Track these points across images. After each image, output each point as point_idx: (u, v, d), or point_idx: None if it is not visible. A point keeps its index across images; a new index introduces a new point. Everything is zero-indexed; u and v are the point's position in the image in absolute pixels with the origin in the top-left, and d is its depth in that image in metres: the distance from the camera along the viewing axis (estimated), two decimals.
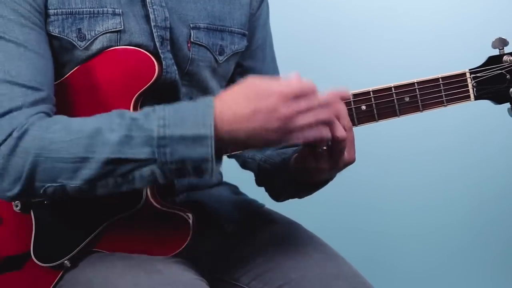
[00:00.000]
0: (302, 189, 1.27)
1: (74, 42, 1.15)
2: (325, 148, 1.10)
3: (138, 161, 1.01)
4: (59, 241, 1.18)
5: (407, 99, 1.19)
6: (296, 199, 1.32)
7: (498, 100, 1.24)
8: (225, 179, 1.44)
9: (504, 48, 1.23)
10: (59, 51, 1.16)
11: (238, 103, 0.99)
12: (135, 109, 1.14)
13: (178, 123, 1.00)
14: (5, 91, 1.07)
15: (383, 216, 2.52)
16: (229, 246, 1.30)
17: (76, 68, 1.16)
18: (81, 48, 1.15)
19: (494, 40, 1.23)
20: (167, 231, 1.19)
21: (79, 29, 1.15)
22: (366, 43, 2.47)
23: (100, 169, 1.01)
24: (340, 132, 1.08)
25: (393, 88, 1.18)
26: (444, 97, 1.20)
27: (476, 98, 1.22)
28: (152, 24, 1.20)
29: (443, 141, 2.53)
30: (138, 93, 1.13)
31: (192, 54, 1.26)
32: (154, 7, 1.20)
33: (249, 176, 1.42)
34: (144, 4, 1.21)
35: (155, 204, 1.17)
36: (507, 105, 1.25)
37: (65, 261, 1.18)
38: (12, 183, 1.04)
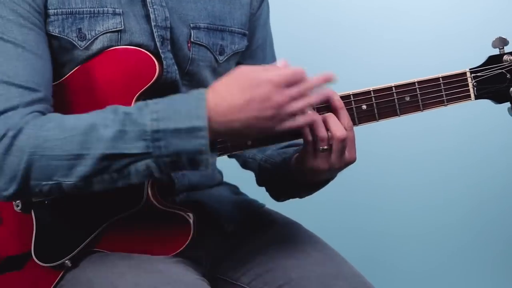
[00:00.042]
0: (303, 189, 1.27)
1: (74, 42, 1.15)
2: (326, 147, 1.11)
3: (133, 156, 1.01)
4: (60, 241, 1.18)
5: (407, 99, 1.19)
6: (296, 199, 1.32)
7: (498, 100, 1.24)
8: (225, 179, 1.44)
9: (504, 47, 1.23)
10: (59, 51, 1.16)
11: (233, 94, 1.00)
12: None
13: (171, 116, 1.00)
14: (1, 92, 1.07)
15: (383, 216, 2.52)
16: (229, 246, 1.30)
17: (76, 68, 1.16)
18: (81, 48, 1.15)
19: (494, 39, 1.23)
20: (168, 231, 1.19)
21: (80, 29, 1.15)
22: (366, 43, 2.46)
23: (95, 165, 1.01)
24: (341, 131, 1.08)
25: (393, 88, 1.18)
26: (444, 96, 1.20)
27: (477, 97, 1.22)
28: (153, 24, 1.20)
29: (443, 141, 2.53)
30: (139, 93, 1.13)
31: (192, 54, 1.26)
32: (154, 7, 1.20)
33: (250, 176, 1.42)
34: (144, 4, 1.21)
35: (155, 204, 1.17)
36: (507, 104, 1.25)
37: (66, 261, 1.18)
38: (8, 182, 1.04)
